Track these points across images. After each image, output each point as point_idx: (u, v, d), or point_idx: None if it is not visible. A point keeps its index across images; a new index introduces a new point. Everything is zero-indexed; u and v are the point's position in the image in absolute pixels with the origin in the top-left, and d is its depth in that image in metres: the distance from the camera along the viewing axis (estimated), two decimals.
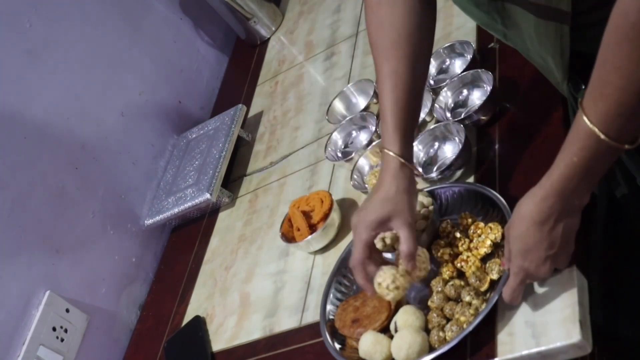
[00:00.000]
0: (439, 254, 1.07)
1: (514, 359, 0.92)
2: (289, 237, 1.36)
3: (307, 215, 1.33)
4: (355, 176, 1.34)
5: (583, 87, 0.95)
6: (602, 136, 0.73)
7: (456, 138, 1.21)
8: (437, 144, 1.25)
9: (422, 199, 1.14)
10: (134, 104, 1.83)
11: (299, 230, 1.33)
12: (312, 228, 1.31)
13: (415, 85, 1.01)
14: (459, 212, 1.11)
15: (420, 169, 1.23)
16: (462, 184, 1.14)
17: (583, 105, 0.74)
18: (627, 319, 1.13)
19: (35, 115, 1.56)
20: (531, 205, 0.83)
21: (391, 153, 1.00)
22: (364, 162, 1.34)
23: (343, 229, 1.32)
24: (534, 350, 0.90)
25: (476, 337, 0.95)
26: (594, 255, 1.05)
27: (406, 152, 1.01)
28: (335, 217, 1.30)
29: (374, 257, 1.02)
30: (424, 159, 1.25)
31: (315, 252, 1.34)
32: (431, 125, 1.27)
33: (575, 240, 0.86)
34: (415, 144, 1.23)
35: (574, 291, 0.91)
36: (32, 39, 1.60)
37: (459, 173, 1.17)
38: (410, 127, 1.02)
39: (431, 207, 1.12)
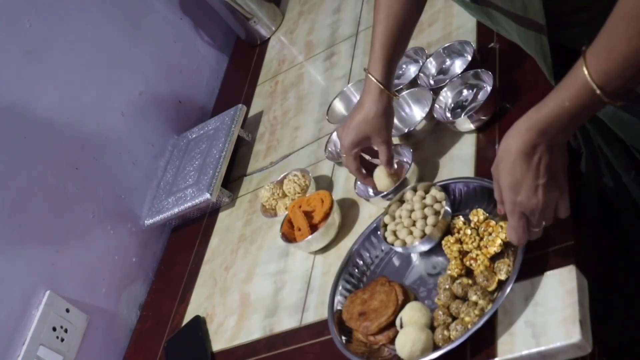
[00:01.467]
0: (448, 250, 1.07)
1: (514, 358, 0.92)
2: (289, 237, 1.36)
3: (308, 215, 1.33)
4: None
5: None
6: (598, 91, 0.76)
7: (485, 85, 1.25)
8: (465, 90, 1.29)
9: (436, 193, 1.14)
10: (134, 104, 1.83)
11: (299, 230, 1.32)
12: (313, 228, 1.31)
13: (406, 22, 1.14)
14: (471, 207, 1.11)
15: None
16: (477, 180, 1.13)
17: (586, 58, 0.76)
18: (621, 311, 1.13)
19: (35, 115, 1.56)
20: (516, 137, 0.84)
21: (374, 79, 1.14)
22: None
23: (344, 228, 1.32)
24: (534, 350, 0.90)
25: (477, 337, 0.95)
26: (587, 247, 1.05)
27: (387, 79, 1.15)
28: (335, 217, 1.30)
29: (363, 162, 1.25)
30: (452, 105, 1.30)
31: (316, 252, 1.34)
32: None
33: (566, 177, 0.87)
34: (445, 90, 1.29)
35: (574, 291, 0.91)
36: (32, 39, 1.60)
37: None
38: (395, 58, 1.16)
39: (444, 202, 1.12)
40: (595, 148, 1.05)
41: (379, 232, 1.19)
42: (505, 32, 0.97)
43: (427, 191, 1.16)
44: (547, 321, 0.91)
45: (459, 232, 1.09)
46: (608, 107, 0.95)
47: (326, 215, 1.30)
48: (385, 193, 1.23)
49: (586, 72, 0.76)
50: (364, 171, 1.24)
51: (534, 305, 0.94)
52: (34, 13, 1.62)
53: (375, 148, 1.21)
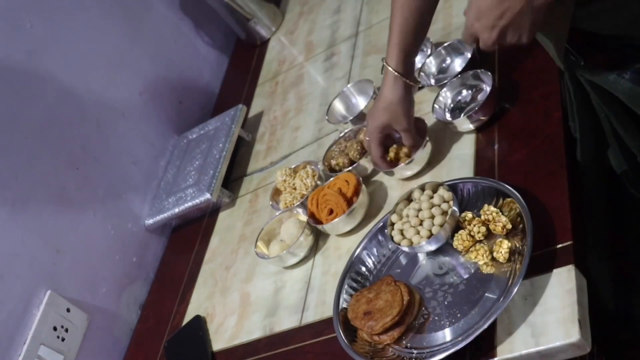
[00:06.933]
0: (460, 246, 1.08)
1: (514, 358, 0.92)
2: (315, 218, 1.33)
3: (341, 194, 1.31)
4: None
5: (582, 63, 0.98)
6: None
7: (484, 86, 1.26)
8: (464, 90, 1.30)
9: (443, 193, 1.13)
10: (134, 104, 1.84)
11: (331, 213, 1.30)
12: (349, 202, 1.29)
13: (423, 10, 1.14)
14: (479, 208, 1.10)
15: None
16: (485, 180, 1.12)
17: None
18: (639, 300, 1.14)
19: (35, 116, 1.57)
20: None
21: (390, 67, 1.17)
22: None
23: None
24: (533, 349, 0.91)
25: (476, 337, 0.96)
26: (603, 240, 1.05)
27: (404, 67, 1.17)
28: (364, 198, 1.29)
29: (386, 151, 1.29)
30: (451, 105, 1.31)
31: (315, 252, 1.34)
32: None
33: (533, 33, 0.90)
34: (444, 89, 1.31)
35: (573, 291, 0.91)
36: (33, 39, 1.61)
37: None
38: (413, 47, 1.18)
39: (451, 202, 1.11)
40: (606, 129, 1.04)
41: (385, 231, 1.19)
42: None
43: (435, 190, 1.15)
44: (547, 321, 0.92)
45: (469, 224, 1.08)
46: (625, 84, 0.95)
47: (356, 190, 1.28)
48: (406, 163, 1.25)
49: None
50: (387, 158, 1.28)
51: (533, 305, 0.94)
52: (34, 13, 1.62)
53: (398, 135, 1.26)
